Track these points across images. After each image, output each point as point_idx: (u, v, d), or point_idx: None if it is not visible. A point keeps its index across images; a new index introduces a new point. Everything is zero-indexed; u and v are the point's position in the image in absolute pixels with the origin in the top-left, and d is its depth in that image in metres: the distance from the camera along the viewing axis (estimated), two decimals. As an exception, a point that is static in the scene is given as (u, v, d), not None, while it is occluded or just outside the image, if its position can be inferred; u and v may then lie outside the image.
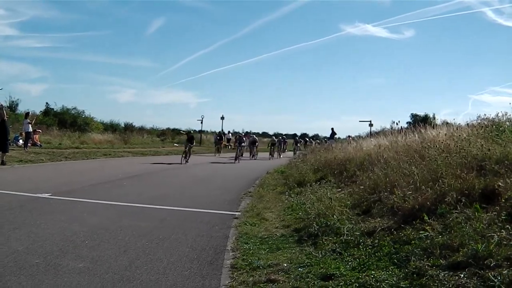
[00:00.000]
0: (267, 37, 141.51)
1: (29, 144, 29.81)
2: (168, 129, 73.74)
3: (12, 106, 47.38)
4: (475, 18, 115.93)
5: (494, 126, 12.28)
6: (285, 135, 61.23)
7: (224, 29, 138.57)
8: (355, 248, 7.31)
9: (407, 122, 48.34)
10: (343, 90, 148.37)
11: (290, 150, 56.21)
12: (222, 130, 63.69)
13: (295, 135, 74.90)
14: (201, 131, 67.60)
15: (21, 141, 30.84)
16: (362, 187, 11.29)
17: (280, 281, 6.19)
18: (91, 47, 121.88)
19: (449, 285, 5.06)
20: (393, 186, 9.77)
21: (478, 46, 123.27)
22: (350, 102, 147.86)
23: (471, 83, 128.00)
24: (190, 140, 32.19)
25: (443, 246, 6.10)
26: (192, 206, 12.62)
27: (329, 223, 8.90)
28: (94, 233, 8.95)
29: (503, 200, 7.01)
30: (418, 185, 8.98)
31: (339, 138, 39.85)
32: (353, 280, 5.85)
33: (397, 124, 25.21)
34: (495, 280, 4.86)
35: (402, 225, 7.54)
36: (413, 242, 6.70)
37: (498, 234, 5.86)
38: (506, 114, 13.79)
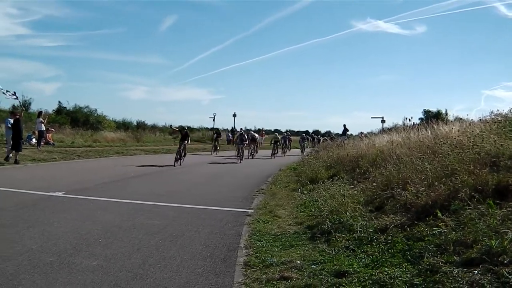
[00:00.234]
0: (280, 33, 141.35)
1: (42, 143, 29.95)
2: (180, 126, 73.87)
3: (25, 105, 47.52)
4: (487, 13, 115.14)
5: (507, 122, 12.19)
6: (297, 132, 60.70)
7: (236, 26, 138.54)
8: (368, 245, 7.31)
9: (419, 118, 48.01)
10: (355, 87, 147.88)
11: (297, 148, 51.65)
12: (234, 127, 63.53)
13: (307, 132, 74.12)
14: (213, 129, 67.56)
15: (34, 140, 30.98)
16: (374, 183, 11.26)
17: (293, 278, 6.20)
18: (103, 45, 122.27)
19: (463, 282, 5.04)
20: (406, 182, 9.73)
21: (490, 41, 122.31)
22: (362, 98, 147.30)
23: (483, 78, 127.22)
24: (184, 138, 27.92)
25: (456, 243, 6.08)
26: (205, 204, 12.67)
27: (342, 220, 8.91)
28: (107, 231, 9.01)
29: (516, 196, 6.99)
30: (431, 181, 8.95)
31: (351, 134, 39.66)
32: (366, 277, 5.86)
33: (409, 120, 25.08)
34: (510, 277, 4.83)
35: (415, 222, 7.53)
36: (426, 238, 6.68)
37: (512, 230, 5.85)
38: (519, 109, 13.70)
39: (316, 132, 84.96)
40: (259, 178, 20.76)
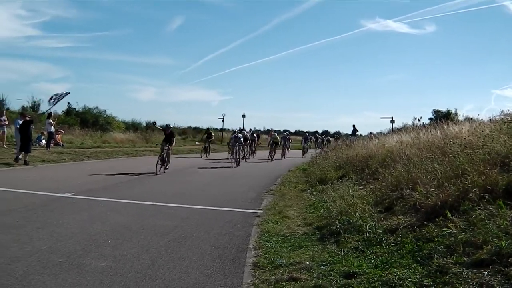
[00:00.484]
0: (288, 34, 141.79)
1: (51, 144, 30.06)
2: (189, 127, 74.03)
3: (34, 106, 47.74)
4: (498, 11, 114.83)
5: (517, 121, 12.13)
6: (306, 132, 59.90)
7: (245, 26, 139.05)
8: (378, 246, 7.29)
9: (429, 118, 47.86)
10: (364, 87, 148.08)
11: (299, 149, 48.22)
12: (243, 127, 63.50)
13: (316, 132, 73.82)
14: (222, 129, 67.66)
15: (43, 141, 31.09)
16: (384, 184, 11.23)
17: (302, 279, 6.20)
18: (111, 46, 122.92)
19: (473, 283, 5.02)
20: (415, 183, 9.71)
21: (500, 40, 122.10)
22: (371, 98, 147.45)
23: (493, 78, 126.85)
24: (168, 139, 22.84)
25: (466, 243, 6.06)
26: (214, 205, 12.69)
27: (351, 220, 8.90)
28: (116, 232, 9.03)
29: (527, 197, 6.95)
30: (440, 181, 8.92)
31: (360, 135, 39.58)
32: (375, 278, 5.84)
33: (419, 120, 25.00)
34: (520, 278, 4.82)
35: (425, 222, 7.50)
36: (436, 239, 6.65)
37: (523, 231, 5.82)
38: (530, 109, 13.61)
39: (326, 133, 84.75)
40: (256, 190, 17.00)
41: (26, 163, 21.36)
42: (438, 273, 5.56)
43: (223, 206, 12.51)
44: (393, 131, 30.85)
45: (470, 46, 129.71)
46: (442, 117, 25.12)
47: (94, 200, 12.51)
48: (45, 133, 30.76)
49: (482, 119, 14.89)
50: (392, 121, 45.51)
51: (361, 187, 13.01)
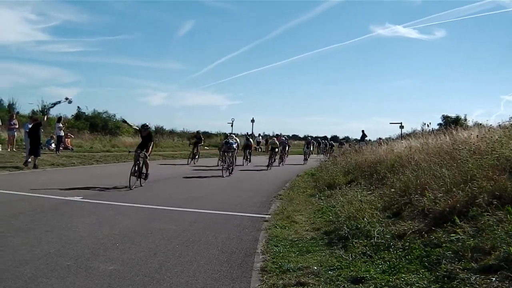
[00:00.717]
0: (298, 39, 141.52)
1: (61, 148, 30.17)
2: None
3: (44, 110, 47.93)
4: (508, 17, 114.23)
5: (526, 127, 12.08)
6: (315, 137, 59.35)
7: (255, 31, 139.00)
8: (386, 251, 7.28)
9: (438, 124, 47.83)
10: (374, 92, 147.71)
11: (299, 154, 46.34)
12: (252, 132, 63.40)
13: (324, 137, 73.40)
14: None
15: (53, 145, 31.22)
16: (392, 189, 11.21)
17: (310, 284, 6.19)
18: (122, 50, 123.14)
19: (481, 289, 5.01)
20: (424, 188, 9.68)
21: (510, 46, 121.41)
22: (381, 103, 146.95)
23: (503, 83, 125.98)
24: (145, 144, 17.68)
25: (474, 249, 6.04)
26: (222, 209, 12.71)
27: (359, 226, 8.89)
28: (124, 235, 9.06)
29: (536, 203, 6.92)
30: (449, 187, 8.89)
31: (369, 140, 39.50)
32: (383, 283, 5.84)
33: (428, 125, 24.97)
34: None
35: (433, 228, 7.49)
36: (444, 245, 6.63)
37: (531, 237, 5.80)
38: (539, 115, 13.55)
39: (335, 138, 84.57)
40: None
41: (35, 166, 21.44)
42: (446, 278, 5.55)
43: (231, 211, 12.57)
44: (402, 136, 30.79)
45: (480, 51, 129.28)
46: (451, 123, 25.12)
47: (102, 204, 12.56)
48: (55, 137, 30.89)
49: (491, 125, 14.83)
50: (401, 127, 45.27)
51: (369, 192, 12.99)
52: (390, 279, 5.93)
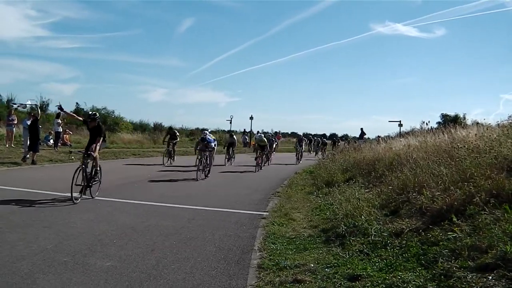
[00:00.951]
0: (298, 36, 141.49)
1: (59, 144, 30.18)
2: (197, 129, 73.95)
3: (43, 106, 47.95)
4: (508, 16, 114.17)
5: (525, 126, 12.08)
6: (314, 134, 58.60)
7: (255, 28, 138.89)
8: (383, 249, 7.29)
9: (437, 122, 47.91)
10: (373, 90, 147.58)
11: (289, 152, 44.61)
12: (251, 130, 63.31)
13: (323, 135, 73.16)
14: (230, 131, 67.53)
15: (51, 141, 31.20)
16: (390, 187, 11.20)
17: (306, 281, 6.20)
18: (122, 47, 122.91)
19: (477, 287, 5.00)
20: (421, 186, 9.69)
21: (510, 45, 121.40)
22: (380, 102, 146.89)
23: (502, 82, 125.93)
24: (93, 139, 13.55)
25: (471, 248, 6.04)
26: (220, 206, 12.71)
27: (356, 223, 8.90)
28: (122, 232, 9.06)
29: (533, 201, 6.93)
30: (447, 185, 8.90)
31: (368, 138, 39.46)
32: (380, 281, 5.84)
33: (426, 124, 25.00)
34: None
35: (430, 226, 7.48)
36: (441, 243, 6.64)
37: (528, 235, 5.80)
38: (538, 114, 13.56)
39: (334, 135, 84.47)
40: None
41: (33, 162, 21.47)
42: (442, 276, 5.55)
43: (229, 208, 12.56)
44: (400, 134, 30.82)
45: (479, 50, 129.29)
46: (450, 121, 25.12)
47: (100, 200, 12.58)
48: (53, 132, 30.89)
49: (490, 124, 14.83)
50: (400, 125, 45.43)
51: (367, 190, 12.99)
52: (387, 277, 5.94)
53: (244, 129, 53.76)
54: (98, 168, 13.54)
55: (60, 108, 13.99)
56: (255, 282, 6.36)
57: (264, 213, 11.83)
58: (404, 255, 6.76)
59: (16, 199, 11.75)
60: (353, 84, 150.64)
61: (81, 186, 12.48)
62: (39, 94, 53.14)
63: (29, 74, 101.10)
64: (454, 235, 6.65)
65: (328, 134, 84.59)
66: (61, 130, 30.94)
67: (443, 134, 15.63)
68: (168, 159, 27.27)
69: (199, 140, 23.68)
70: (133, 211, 11.41)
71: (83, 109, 51.58)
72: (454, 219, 7.18)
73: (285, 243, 8.60)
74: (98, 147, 13.22)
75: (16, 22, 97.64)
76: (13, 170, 19.36)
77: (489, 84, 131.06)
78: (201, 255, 7.69)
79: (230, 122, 65.17)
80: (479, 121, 16.99)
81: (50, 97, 74.99)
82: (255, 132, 61.91)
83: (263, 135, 31.42)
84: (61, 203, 11.72)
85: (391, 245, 7.33)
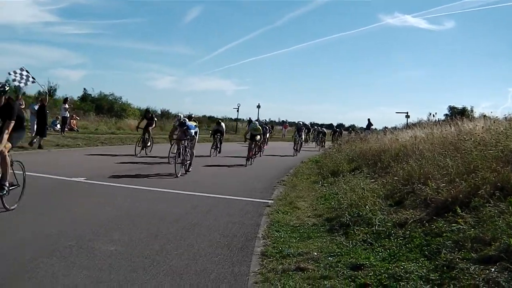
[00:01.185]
0: (306, 26, 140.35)
1: (66, 129, 30.30)
2: (204, 116, 73.95)
3: (51, 91, 47.97)
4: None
5: (532, 120, 12.05)
6: (321, 124, 57.93)
7: (263, 17, 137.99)
8: (386, 239, 7.30)
9: (444, 115, 47.61)
10: (381, 81, 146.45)
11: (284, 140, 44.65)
12: (258, 118, 63.03)
13: (330, 125, 72.88)
14: (236, 120, 67.46)
15: (58, 126, 31.29)
16: (395, 178, 11.19)
17: (309, 269, 6.22)
18: (130, 33, 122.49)
19: (480, 279, 5.00)
20: (427, 177, 9.68)
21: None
22: (387, 93, 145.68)
23: (511, 76, 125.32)
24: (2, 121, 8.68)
25: (475, 240, 6.04)
26: (225, 193, 12.77)
27: (361, 213, 8.90)
28: (127, 217, 9.12)
29: (538, 195, 6.92)
30: (452, 177, 8.88)
31: (375, 129, 39.34)
32: (382, 271, 5.86)
33: (433, 116, 24.91)
34: (527, 275, 4.80)
35: (434, 217, 7.48)
36: (444, 234, 6.64)
37: (532, 228, 5.80)
38: (545, 108, 13.52)
39: (340, 126, 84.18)
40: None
41: (40, 147, 21.53)
42: (445, 268, 5.57)
43: (234, 195, 12.63)
44: (408, 126, 30.74)
45: (488, 43, 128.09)
46: (457, 114, 25.03)
47: (106, 186, 12.64)
48: (60, 117, 30.98)
49: (497, 117, 14.78)
50: (407, 116, 45.21)
51: (372, 180, 12.98)
52: (390, 267, 5.95)
53: (250, 118, 52.95)
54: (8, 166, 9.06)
55: None
56: (258, 269, 6.38)
57: (269, 201, 11.85)
58: (407, 245, 6.77)
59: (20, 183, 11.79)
60: (361, 75, 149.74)
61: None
62: (47, 79, 53.05)
63: (37, 60, 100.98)
64: (458, 227, 6.64)
65: (335, 124, 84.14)
66: (68, 115, 31.02)
67: (449, 126, 15.59)
68: (142, 149, 22.79)
69: (175, 125, 19.39)
70: (137, 196, 11.48)
71: (90, 94, 51.67)
72: (459, 211, 7.17)
73: (289, 231, 8.63)
74: (5, 135, 8.55)
75: (24, 7, 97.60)
76: (20, 154, 19.32)
77: (497, 78, 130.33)
78: (205, 241, 7.74)
79: (237, 111, 64.91)
80: (487, 114, 16.94)
81: (58, 82, 74.85)
82: (262, 120, 61.91)
83: (257, 123, 26.67)
84: (66, 188, 11.79)
85: (394, 236, 7.34)
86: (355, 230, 8.07)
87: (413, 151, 13.22)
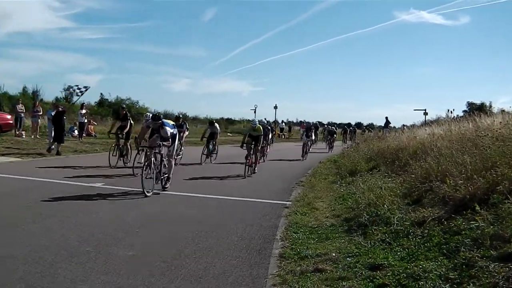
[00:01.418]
0: (322, 25, 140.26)
1: (84, 135, 30.48)
2: (221, 118, 73.98)
3: (68, 97, 48.32)
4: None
5: (551, 114, 11.93)
6: (339, 124, 57.24)
7: (278, 17, 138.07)
8: (405, 238, 7.26)
9: (463, 111, 47.36)
10: (398, 78, 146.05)
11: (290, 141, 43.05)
12: (275, 119, 62.96)
13: (349, 124, 72.20)
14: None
15: (76, 132, 31.54)
16: (413, 176, 11.12)
17: (327, 270, 6.21)
18: (145, 37, 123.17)
19: (499, 277, 4.96)
20: (444, 175, 9.59)
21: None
22: (405, 90, 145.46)
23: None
24: None
25: (494, 237, 5.98)
26: (243, 196, 12.80)
27: (379, 212, 8.86)
28: (144, 221, 9.18)
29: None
30: (470, 174, 8.79)
31: (394, 127, 39.19)
32: (401, 270, 5.82)
33: (451, 112, 24.74)
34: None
35: (453, 215, 7.42)
36: (463, 232, 6.58)
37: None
38: None
39: (358, 124, 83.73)
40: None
41: (58, 153, 21.66)
42: (464, 266, 5.52)
43: (252, 197, 12.64)
44: (426, 123, 30.56)
45: (506, 38, 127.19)
46: (476, 110, 24.84)
47: (124, 190, 12.69)
48: (77, 123, 31.19)
49: (516, 112, 14.65)
50: (425, 113, 44.94)
51: (390, 179, 12.91)
52: (408, 266, 5.92)
53: (265, 118, 52.62)
54: None
55: None
56: (276, 271, 6.39)
57: (287, 203, 11.86)
58: (426, 244, 6.71)
59: (39, 189, 11.90)
60: (378, 73, 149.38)
61: None
62: (64, 85, 53.54)
63: (54, 65, 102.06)
64: (476, 224, 6.58)
65: (353, 123, 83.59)
66: (86, 121, 31.22)
67: (467, 122, 15.47)
68: (119, 158, 18.58)
69: (145, 124, 15.06)
70: (155, 200, 11.49)
71: (107, 99, 52.08)
72: (477, 208, 7.10)
73: (307, 233, 8.62)
74: None
75: (40, 13, 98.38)
76: (38, 160, 19.57)
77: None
78: (223, 244, 7.77)
79: (255, 112, 64.81)
80: (505, 109, 16.80)
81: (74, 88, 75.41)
82: (279, 121, 61.87)
83: (257, 121, 20.59)
84: (84, 193, 11.82)
85: (413, 234, 7.29)
86: (373, 229, 8.04)
87: (431, 148, 13.13)
